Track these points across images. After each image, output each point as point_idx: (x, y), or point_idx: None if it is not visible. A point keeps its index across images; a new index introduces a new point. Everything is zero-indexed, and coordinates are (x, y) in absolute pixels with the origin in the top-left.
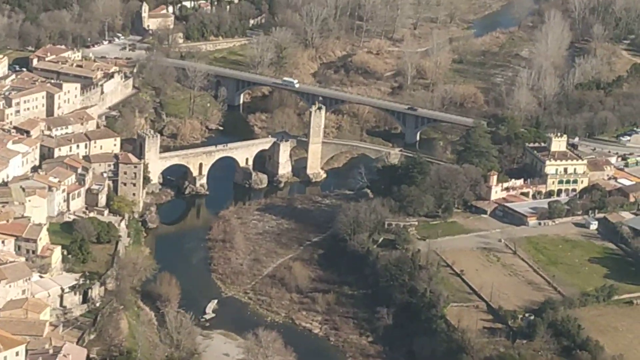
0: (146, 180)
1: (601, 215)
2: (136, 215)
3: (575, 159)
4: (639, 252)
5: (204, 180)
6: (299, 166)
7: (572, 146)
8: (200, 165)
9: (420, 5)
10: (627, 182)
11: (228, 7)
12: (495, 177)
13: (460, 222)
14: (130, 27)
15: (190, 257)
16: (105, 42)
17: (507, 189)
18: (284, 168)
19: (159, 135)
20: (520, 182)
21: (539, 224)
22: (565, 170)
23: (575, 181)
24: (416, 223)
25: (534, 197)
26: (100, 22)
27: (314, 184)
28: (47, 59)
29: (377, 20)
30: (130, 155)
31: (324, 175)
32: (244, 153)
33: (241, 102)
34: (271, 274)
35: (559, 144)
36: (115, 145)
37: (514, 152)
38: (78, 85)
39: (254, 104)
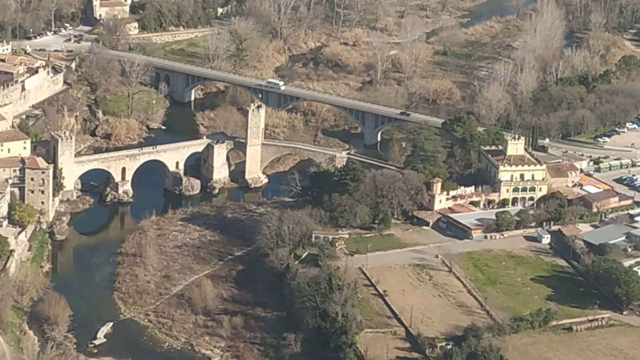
0: (59, 186)
1: (557, 227)
2: (44, 226)
3: (533, 164)
4: (590, 270)
5: (127, 187)
6: (239, 170)
7: (542, 148)
8: (124, 169)
9: None
10: (593, 190)
11: None
12: (439, 185)
13: (398, 235)
14: (81, 16)
15: (95, 274)
16: (50, 34)
17: (454, 197)
18: (220, 173)
19: (73, 137)
20: (470, 189)
21: (485, 237)
22: (522, 176)
23: (532, 189)
24: (347, 236)
25: (485, 206)
26: (48, 11)
27: (253, 190)
28: None
29: (357, 8)
30: (38, 159)
31: (266, 181)
32: (173, 156)
33: (192, 98)
34: (179, 293)
35: (515, 147)
36: (25, 148)
37: (469, 156)
38: None
39: (208, 100)
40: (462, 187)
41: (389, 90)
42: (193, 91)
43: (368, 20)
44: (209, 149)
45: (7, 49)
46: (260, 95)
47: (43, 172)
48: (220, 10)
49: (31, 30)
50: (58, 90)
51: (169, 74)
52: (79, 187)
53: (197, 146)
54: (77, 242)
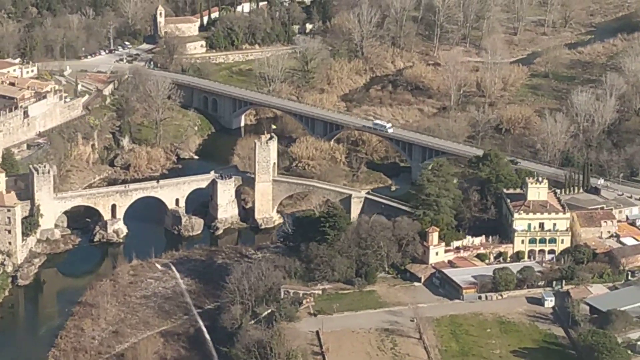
0: (33, 225)
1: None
2: (9, 269)
3: (556, 211)
4: (581, 341)
5: (118, 226)
6: (254, 209)
7: (594, 190)
8: (114, 207)
9: (526, 6)
10: (631, 242)
11: (275, 10)
12: (435, 235)
13: (380, 293)
14: (147, 34)
15: (42, 326)
16: (104, 53)
17: (458, 249)
18: (226, 211)
19: (52, 170)
20: (480, 240)
21: (479, 297)
22: (541, 225)
23: (552, 240)
24: (320, 292)
25: (498, 260)
26: (107, 29)
27: (263, 232)
28: None
29: (460, 24)
30: (8, 195)
31: (280, 221)
32: (172, 193)
33: (242, 124)
34: (120, 354)
35: (537, 191)
36: None
37: (485, 201)
38: None
39: (260, 127)
40: (470, 238)
41: (463, 118)
42: (243, 117)
43: (473, 38)
44: (214, 185)
45: (31, 71)
46: (307, 123)
47: (9, 210)
48: (309, 26)
49: (83, 49)
50: (74, 117)
51: (216, 97)
52: (64, 224)
53: (200, 182)
54: (44, 288)
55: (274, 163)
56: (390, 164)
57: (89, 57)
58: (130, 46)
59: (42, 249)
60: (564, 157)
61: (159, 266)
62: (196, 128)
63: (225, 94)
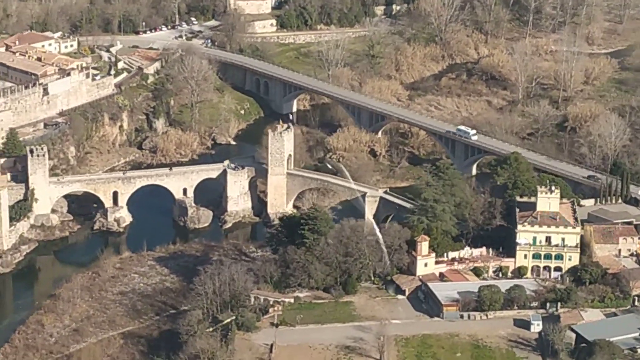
0: (24, 209)
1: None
2: None
3: (565, 225)
4: None
5: (120, 214)
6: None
7: (635, 201)
8: (116, 194)
9: None
10: None
11: None
12: (424, 244)
13: (358, 305)
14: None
15: (4, 320)
16: (166, 29)
17: (453, 260)
18: (237, 204)
19: (46, 152)
20: (480, 251)
21: (461, 316)
22: (548, 240)
23: (559, 256)
24: (292, 300)
25: (497, 275)
26: (174, 3)
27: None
28: (14, 48)
29: (558, 10)
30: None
31: None
32: (179, 182)
33: (293, 110)
34: (72, 354)
35: (547, 202)
36: None
37: (492, 209)
38: None
39: (313, 113)
40: (468, 249)
41: (532, 112)
42: (295, 102)
43: (574, 26)
44: (224, 175)
45: (70, 46)
46: (353, 112)
47: None
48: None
49: (143, 23)
50: (104, 96)
51: (267, 80)
52: (64, 210)
53: (210, 171)
54: (24, 278)
55: (290, 155)
56: (435, 160)
57: (147, 32)
58: (196, 22)
59: (35, 235)
60: (612, 162)
61: (149, 260)
62: (242, 112)
63: (275, 77)
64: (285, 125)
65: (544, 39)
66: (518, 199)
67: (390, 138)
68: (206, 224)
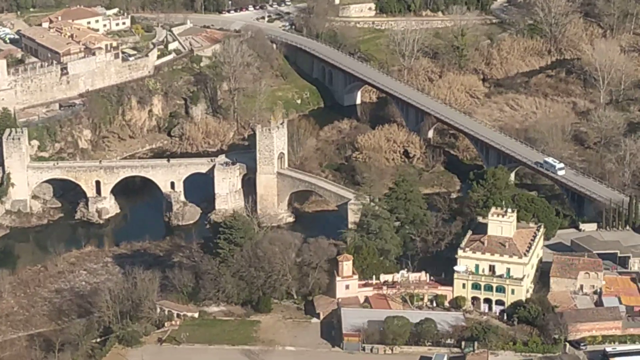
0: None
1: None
2: None
3: (511, 254)
4: None
5: (103, 205)
6: None
7: None
8: (98, 183)
9: None
10: (612, 303)
11: None
12: (348, 264)
13: (263, 325)
14: None
15: None
16: (254, 9)
17: (384, 284)
18: (225, 202)
19: (25, 134)
20: (416, 276)
21: (363, 349)
22: (492, 269)
23: (500, 289)
24: (195, 314)
25: (432, 305)
26: None
27: (265, 229)
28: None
29: None
30: None
31: (290, 219)
32: (165, 175)
33: (357, 102)
34: None
35: (499, 226)
36: None
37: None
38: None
39: (376, 106)
40: (403, 272)
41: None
42: (359, 93)
43: None
44: (212, 171)
45: (122, 23)
46: (402, 109)
47: None
48: None
49: (230, 2)
50: (136, 78)
51: (331, 69)
52: (47, 197)
53: (199, 166)
54: None
55: (282, 153)
56: (475, 167)
57: (232, 12)
58: (290, 3)
59: (9, 222)
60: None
61: (107, 257)
62: (299, 101)
63: (337, 66)
64: (280, 121)
65: None
66: (480, 219)
67: (440, 139)
68: (192, 222)
